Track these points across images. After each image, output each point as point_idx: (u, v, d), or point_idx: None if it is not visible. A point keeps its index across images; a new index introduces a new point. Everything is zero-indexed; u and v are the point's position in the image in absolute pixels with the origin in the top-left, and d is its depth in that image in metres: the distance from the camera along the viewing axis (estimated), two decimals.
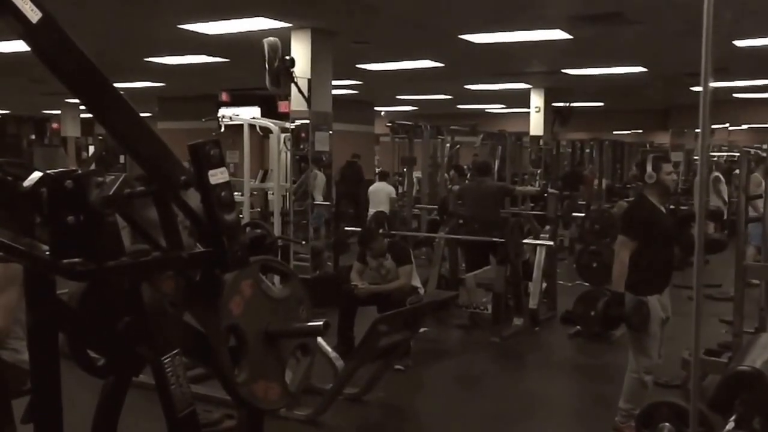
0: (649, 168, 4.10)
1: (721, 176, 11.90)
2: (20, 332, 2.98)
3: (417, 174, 10.75)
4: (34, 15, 1.36)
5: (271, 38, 6.76)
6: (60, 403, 1.65)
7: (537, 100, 13.98)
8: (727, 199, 11.77)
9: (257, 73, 6.90)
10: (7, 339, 2.97)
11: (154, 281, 1.68)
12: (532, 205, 10.41)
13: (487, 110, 19.53)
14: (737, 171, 6.18)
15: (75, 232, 1.48)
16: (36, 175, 1.53)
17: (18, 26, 1.36)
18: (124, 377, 1.78)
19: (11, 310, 2.91)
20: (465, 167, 13.32)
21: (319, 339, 3.48)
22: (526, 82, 13.20)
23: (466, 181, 10.57)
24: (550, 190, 8.86)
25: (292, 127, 7.62)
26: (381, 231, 6.63)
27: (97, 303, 1.66)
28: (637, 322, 4.00)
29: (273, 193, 8.18)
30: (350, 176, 13.81)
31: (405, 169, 10.29)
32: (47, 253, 1.52)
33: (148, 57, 10.08)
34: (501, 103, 17.73)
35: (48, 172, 1.52)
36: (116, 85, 1.52)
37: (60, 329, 1.65)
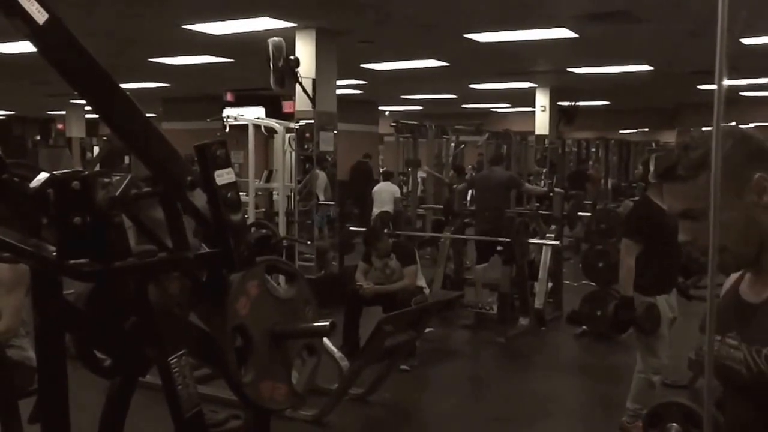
0: (651, 168, 4.08)
1: None
2: (22, 330, 3.03)
3: (421, 174, 10.74)
4: (40, 16, 1.36)
5: (276, 38, 6.75)
6: (67, 403, 1.65)
7: (542, 99, 13.95)
8: None
9: (262, 73, 6.90)
10: (12, 338, 3.01)
11: (161, 282, 1.68)
12: (537, 204, 10.38)
13: (492, 109, 19.50)
14: None
15: (82, 232, 1.49)
16: (43, 176, 1.53)
17: (25, 27, 1.36)
18: (130, 378, 1.78)
19: (19, 310, 2.94)
20: (469, 166, 13.30)
21: (325, 339, 3.48)
22: (531, 81, 13.16)
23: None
24: (556, 190, 8.85)
25: (296, 127, 7.61)
26: (386, 231, 6.63)
27: (104, 303, 1.66)
28: (649, 326, 3.98)
29: (278, 193, 8.18)
30: (358, 176, 13.81)
31: (409, 169, 10.27)
32: (54, 253, 1.52)
33: (152, 57, 10.10)
34: (506, 103, 17.70)
35: (54, 173, 1.52)
36: (121, 85, 1.52)
37: (67, 330, 1.65)
